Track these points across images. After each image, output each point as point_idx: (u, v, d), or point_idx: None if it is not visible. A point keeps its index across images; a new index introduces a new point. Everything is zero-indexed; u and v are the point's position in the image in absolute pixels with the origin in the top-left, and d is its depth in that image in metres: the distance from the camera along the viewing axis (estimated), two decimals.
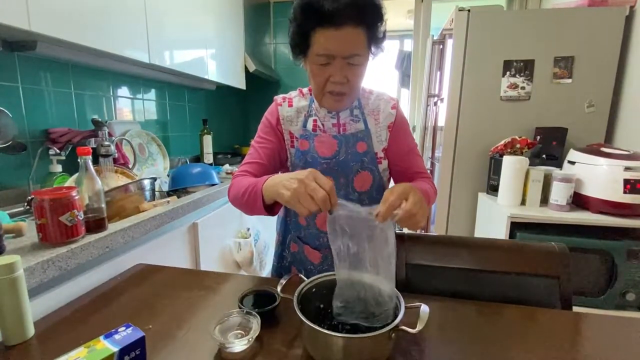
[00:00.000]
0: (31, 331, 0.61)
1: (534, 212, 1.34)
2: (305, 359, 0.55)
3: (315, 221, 0.89)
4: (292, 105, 0.88)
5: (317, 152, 0.84)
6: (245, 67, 2.44)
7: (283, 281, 0.65)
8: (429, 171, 0.97)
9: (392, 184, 0.82)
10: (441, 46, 2.17)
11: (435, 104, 2.27)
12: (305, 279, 0.64)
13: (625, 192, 1.23)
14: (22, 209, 1.11)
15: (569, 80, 1.61)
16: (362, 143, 0.84)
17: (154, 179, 1.31)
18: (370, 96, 0.87)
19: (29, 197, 1.07)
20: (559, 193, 1.34)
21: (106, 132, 1.32)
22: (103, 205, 0.88)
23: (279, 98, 0.90)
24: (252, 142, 0.90)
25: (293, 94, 0.90)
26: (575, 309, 0.77)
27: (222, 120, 2.67)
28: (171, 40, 1.60)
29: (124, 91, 1.67)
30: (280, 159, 0.89)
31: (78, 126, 1.39)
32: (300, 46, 0.75)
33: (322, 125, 0.86)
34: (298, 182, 0.60)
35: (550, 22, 1.58)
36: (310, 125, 0.86)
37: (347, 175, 0.85)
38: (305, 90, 0.89)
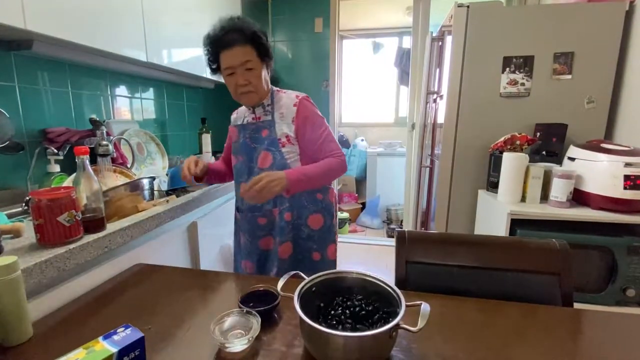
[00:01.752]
0: (30, 332, 0.61)
1: (534, 209, 1.34)
2: (306, 358, 0.55)
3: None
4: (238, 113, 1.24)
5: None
6: None
7: (283, 280, 0.65)
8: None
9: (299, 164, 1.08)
10: (440, 43, 2.16)
11: (435, 101, 2.26)
12: (305, 277, 0.64)
13: (625, 188, 1.22)
14: (20, 209, 1.10)
15: (569, 76, 1.60)
16: (265, 130, 1.09)
17: (153, 178, 1.31)
18: (282, 95, 1.12)
19: (27, 198, 1.07)
20: (559, 189, 1.33)
21: (104, 131, 1.31)
22: (101, 205, 0.87)
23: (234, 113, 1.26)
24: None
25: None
26: (576, 305, 0.77)
27: (221, 118, 2.64)
28: (169, 39, 1.59)
29: (121, 90, 1.66)
30: None
31: (76, 126, 1.39)
32: (215, 65, 1.07)
33: (244, 119, 1.17)
34: None
35: (550, 17, 1.57)
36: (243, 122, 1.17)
37: (250, 155, 1.12)
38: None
